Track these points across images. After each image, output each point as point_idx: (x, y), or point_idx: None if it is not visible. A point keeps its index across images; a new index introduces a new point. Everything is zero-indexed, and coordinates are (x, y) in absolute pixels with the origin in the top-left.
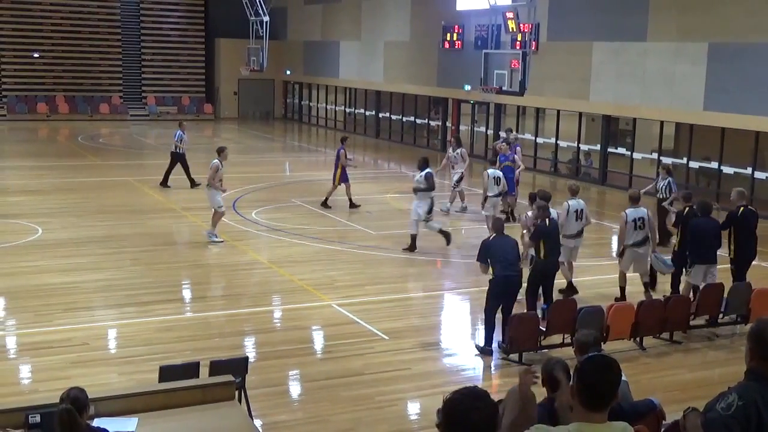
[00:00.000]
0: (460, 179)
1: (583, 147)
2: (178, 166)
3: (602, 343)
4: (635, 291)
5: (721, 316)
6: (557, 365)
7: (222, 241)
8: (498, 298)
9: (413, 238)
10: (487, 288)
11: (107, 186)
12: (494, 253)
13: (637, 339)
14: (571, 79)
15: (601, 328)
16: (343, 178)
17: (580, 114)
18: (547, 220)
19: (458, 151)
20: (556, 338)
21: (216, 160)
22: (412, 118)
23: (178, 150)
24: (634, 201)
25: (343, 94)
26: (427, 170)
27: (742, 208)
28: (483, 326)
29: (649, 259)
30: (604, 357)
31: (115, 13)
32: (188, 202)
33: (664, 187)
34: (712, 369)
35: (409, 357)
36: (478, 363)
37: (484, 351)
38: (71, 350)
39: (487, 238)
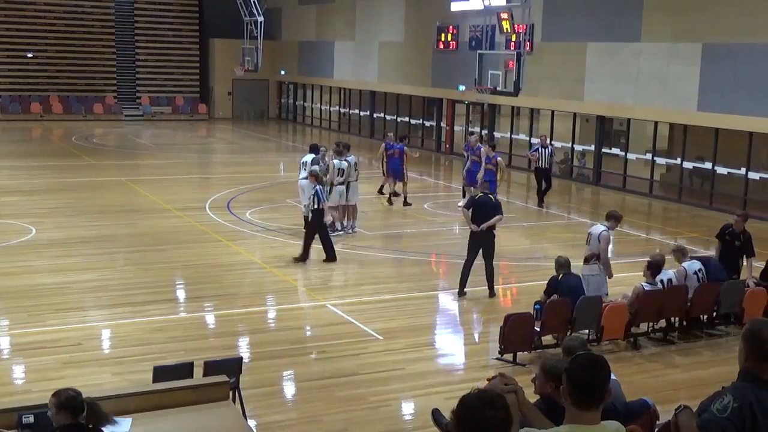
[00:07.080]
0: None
1: (578, 147)
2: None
3: (597, 344)
4: None
5: (714, 314)
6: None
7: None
8: None
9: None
10: None
11: (101, 186)
12: None
13: (631, 339)
14: (565, 80)
15: (597, 320)
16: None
17: (575, 114)
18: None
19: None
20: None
21: None
22: (406, 119)
23: (542, 165)
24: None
25: (338, 95)
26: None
27: None
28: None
29: None
30: (590, 354)
31: (110, 13)
32: (182, 202)
33: None
34: (706, 369)
35: (403, 357)
36: (472, 363)
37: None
38: (64, 350)
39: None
